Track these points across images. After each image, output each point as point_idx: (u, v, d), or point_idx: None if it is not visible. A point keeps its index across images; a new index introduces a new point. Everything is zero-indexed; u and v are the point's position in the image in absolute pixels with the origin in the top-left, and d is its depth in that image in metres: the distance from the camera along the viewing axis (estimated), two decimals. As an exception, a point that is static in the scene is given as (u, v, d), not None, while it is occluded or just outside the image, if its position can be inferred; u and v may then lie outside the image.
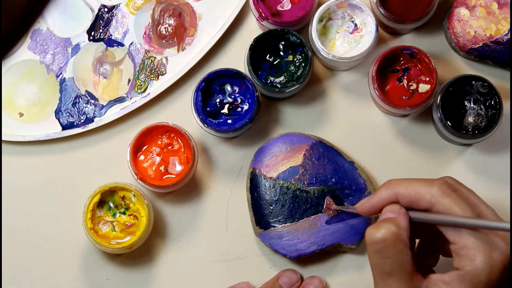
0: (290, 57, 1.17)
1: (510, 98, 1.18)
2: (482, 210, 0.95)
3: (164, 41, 1.20)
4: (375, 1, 1.16)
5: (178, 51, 1.19)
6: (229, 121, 1.15)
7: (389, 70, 1.17)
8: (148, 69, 1.19)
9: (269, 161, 1.16)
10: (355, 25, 1.17)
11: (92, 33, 1.20)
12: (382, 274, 0.95)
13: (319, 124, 1.19)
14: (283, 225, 1.14)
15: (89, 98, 1.19)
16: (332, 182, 1.15)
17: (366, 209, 1.00)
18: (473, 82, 1.14)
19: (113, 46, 1.20)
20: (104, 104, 1.19)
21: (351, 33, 1.17)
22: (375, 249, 0.94)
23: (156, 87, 1.19)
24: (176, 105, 1.20)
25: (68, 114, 1.19)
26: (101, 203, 1.15)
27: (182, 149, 1.15)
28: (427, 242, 1.02)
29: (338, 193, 1.15)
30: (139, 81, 1.19)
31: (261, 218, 1.15)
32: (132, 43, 1.20)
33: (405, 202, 0.97)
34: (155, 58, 1.19)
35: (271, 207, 1.15)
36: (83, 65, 1.19)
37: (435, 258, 1.02)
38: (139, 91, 1.19)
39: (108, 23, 1.20)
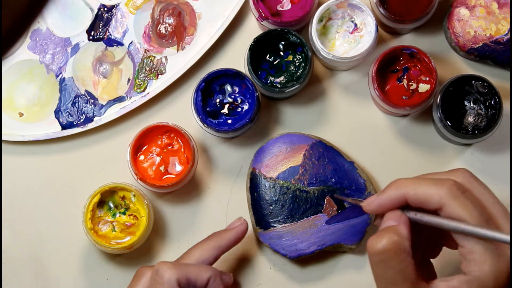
0: (290, 57, 1.17)
1: (510, 98, 1.18)
2: (493, 213, 0.92)
3: (163, 40, 1.20)
4: (375, 1, 1.15)
5: (178, 50, 1.19)
6: (229, 121, 1.15)
7: (389, 70, 1.17)
8: (148, 69, 1.19)
9: (269, 161, 1.15)
10: (355, 25, 1.17)
11: (92, 32, 1.20)
12: (385, 284, 0.93)
13: (319, 124, 1.19)
14: (283, 225, 1.14)
15: (88, 97, 1.19)
16: (332, 182, 1.15)
17: (373, 208, 0.96)
18: (473, 82, 1.14)
19: (112, 46, 1.19)
20: (104, 104, 1.19)
21: (351, 33, 1.17)
22: (377, 260, 0.92)
23: (156, 86, 1.19)
24: (176, 105, 1.20)
25: (67, 113, 1.18)
26: (101, 203, 1.14)
27: (182, 149, 1.15)
28: (430, 235, 0.99)
29: (338, 193, 1.15)
30: (139, 80, 1.19)
31: (261, 218, 1.15)
32: (131, 42, 1.19)
33: (414, 203, 0.94)
34: (154, 57, 1.19)
35: (271, 207, 1.15)
36: (83, 65, 1.19)
37: (437, 251, 0.99)
38: (138, 90, 1.19)
39: (107, 22, 1.20)
